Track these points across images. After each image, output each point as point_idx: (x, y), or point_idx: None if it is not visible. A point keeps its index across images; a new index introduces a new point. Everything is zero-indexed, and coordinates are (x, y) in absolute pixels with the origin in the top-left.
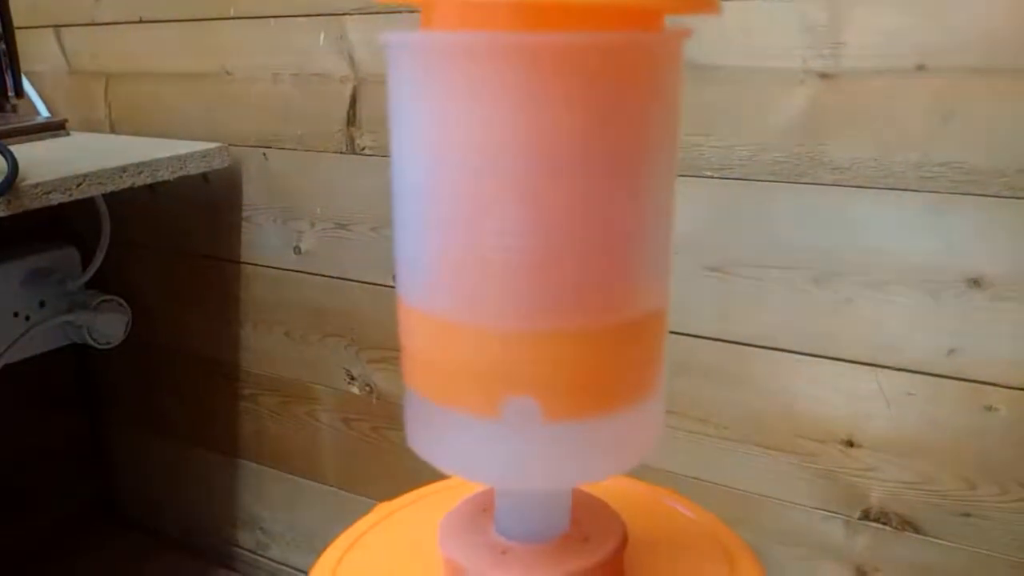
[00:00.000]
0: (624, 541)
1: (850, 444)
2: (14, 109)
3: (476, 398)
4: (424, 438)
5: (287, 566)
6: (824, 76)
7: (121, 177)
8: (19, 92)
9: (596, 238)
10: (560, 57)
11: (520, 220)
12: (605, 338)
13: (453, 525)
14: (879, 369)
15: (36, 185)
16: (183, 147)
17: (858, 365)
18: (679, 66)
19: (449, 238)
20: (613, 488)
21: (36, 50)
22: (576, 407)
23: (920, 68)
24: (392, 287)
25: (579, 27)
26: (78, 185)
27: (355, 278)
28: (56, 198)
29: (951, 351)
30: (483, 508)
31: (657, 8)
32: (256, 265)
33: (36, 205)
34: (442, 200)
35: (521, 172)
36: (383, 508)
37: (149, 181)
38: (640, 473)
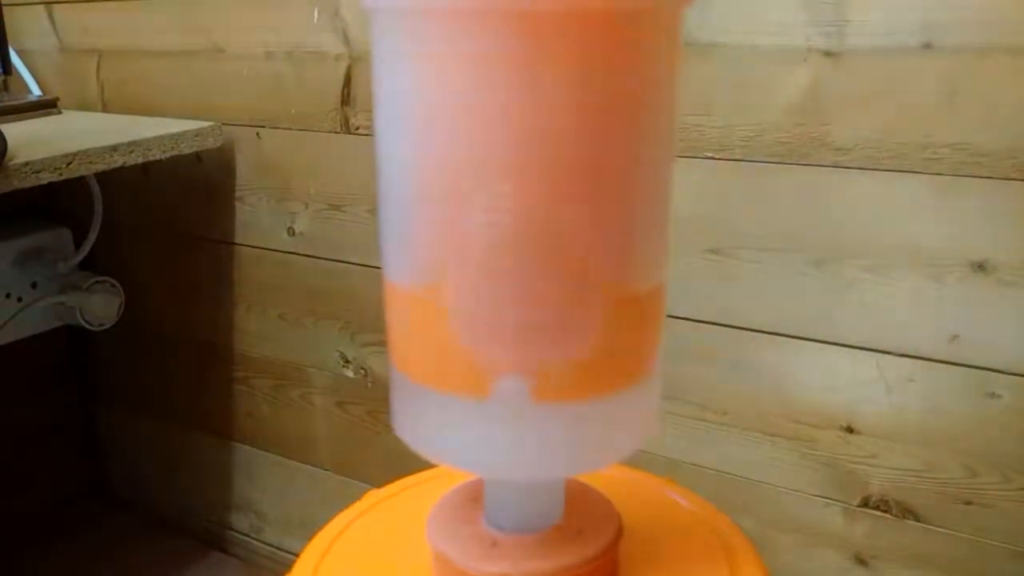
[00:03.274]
0: (619, 533)
1: (850, 431)
2: (5, 87)
3: (463, 379)
4: (411, 424)
5: (281, 549)
6: (828, 54)
7: (112, 156)
8: (7, 69)
9: (587, 214)
10: (554, 21)
11: (508, 192)
12: (597, 317)
13: (442, 516)
14: (880, 355)
15: (26, 164)
16: (175, 126)
17: (858, 350)
18: (677, 36)
19: (434, 212)
20: (609, 477)
21: (27, 27)
22: (567, 389)
23: (926, 46)
24: None
25: None
26: (68, 164)
27: (350, 260)
28: (46, 177)
29: (953, 337)
30: (473, 498)
31: None
32: (250, 246)
33: (25, 184)
34: (429, 173)
35: (512, 143)
36: (372, 496)
37: (140, 160)
38: (638, 459)
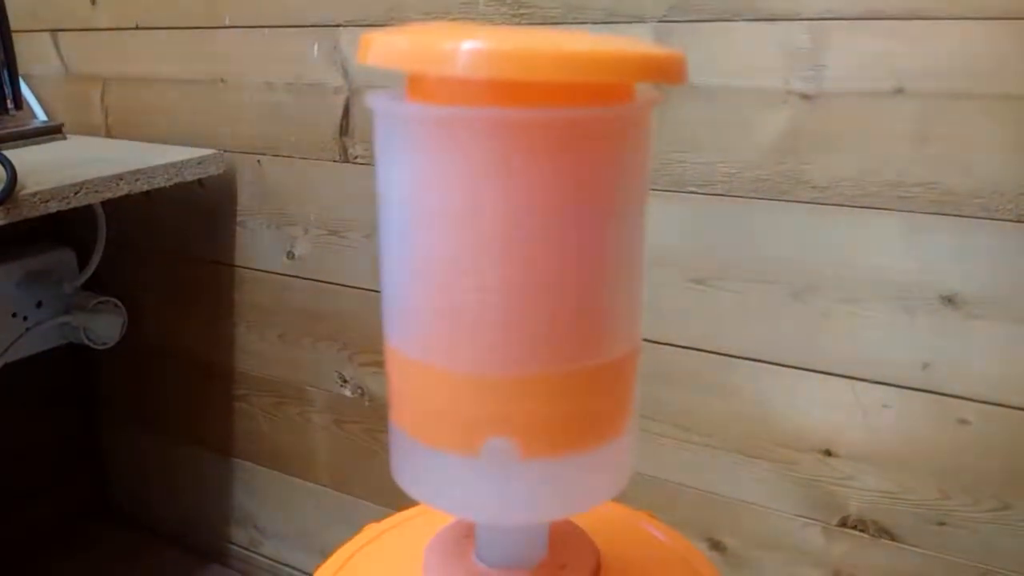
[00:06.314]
0: (598, 569)
1: (828, 453)
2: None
3: (456, 438)
4: (407, 472)
5: (279, 562)
6: (805, 97)
7: (118, 184)
8: (18, 104)
9: (567, 293)
10: (532, 131)
11: (496, 277)
12: (578, 382)
13: (437, 551)
14: (856, 382)
15: (35, 194)
16: (179, 154)
17: (835, 377)
18: (648, 131)
19: (429, 290)
20: (591, 512)
21: (33, 53)
22: (552, 446)
23: (898, 91)
24: None
25: (554, 102)
26: (76, 193)
27: (347, 283)
28: (54, 206)
29: (925, 365)
30: (466, 534)
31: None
32: (250, 269)
33: (34, 213)
34: (423, 256)
35: (497, 234)
36: (371, 529)
37: (145, 188)
38: (629, 480)
